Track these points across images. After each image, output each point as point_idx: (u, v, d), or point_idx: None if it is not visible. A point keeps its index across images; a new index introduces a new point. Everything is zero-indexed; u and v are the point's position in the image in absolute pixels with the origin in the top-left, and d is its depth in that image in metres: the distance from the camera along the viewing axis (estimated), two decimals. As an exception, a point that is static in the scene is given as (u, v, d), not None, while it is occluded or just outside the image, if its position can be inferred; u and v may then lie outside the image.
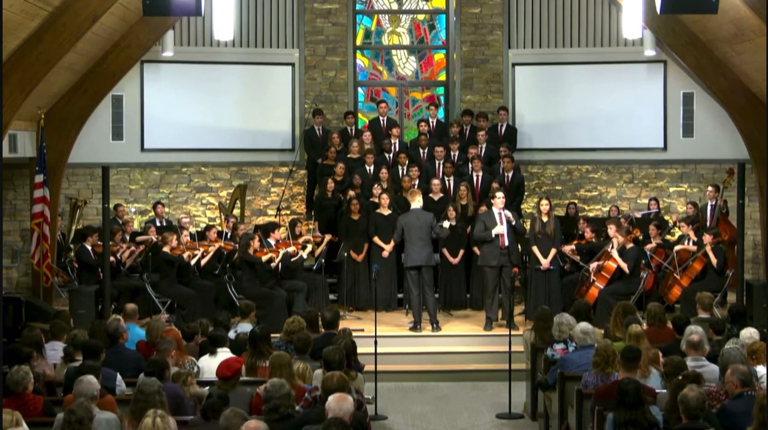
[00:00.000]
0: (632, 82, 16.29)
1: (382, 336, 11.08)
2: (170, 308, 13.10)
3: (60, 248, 14.56)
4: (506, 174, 14.82)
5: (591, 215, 15.97)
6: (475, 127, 15.63)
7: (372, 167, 14.88)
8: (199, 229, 14.79)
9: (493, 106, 16.31)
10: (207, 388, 7.65)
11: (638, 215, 15.23)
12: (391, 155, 15.29)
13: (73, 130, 14.51)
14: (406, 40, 17.22)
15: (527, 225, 13.68)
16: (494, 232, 12.37)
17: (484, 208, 13.34)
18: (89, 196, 15.86)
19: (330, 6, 16.50)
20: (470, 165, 14.79)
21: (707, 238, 13.04)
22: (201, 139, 16.15)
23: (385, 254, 13.61)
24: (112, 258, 12.84)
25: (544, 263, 12.78)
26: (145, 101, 15.96)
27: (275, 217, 15.71)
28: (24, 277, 15.17)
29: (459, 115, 16.23)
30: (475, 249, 13.27)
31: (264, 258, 12.85)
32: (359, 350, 9.13)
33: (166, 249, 13.02)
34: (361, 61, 17.14)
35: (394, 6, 17.19)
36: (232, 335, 9.60)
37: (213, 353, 8.82)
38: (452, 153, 15.27)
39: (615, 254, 12.70)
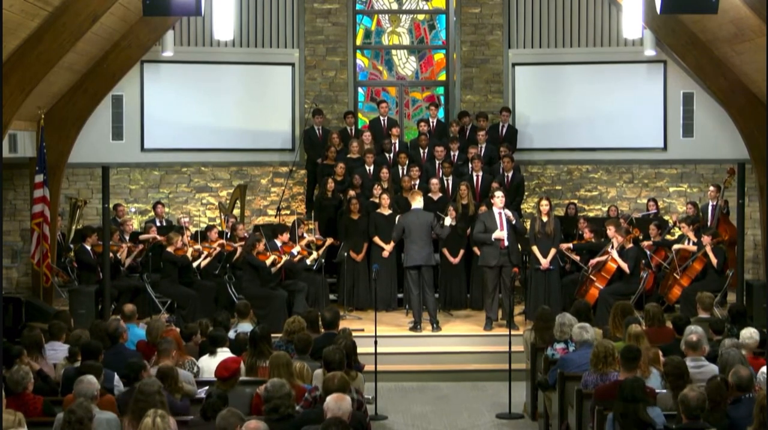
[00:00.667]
0: (632, 82, 16.30)
1: (382, 336, 11.07)
2: (170, 308, 13.11)
3: (60, 248, 14.56)
4: (506, 174, 14.82)
5: (591, 215, 15.98)
6: (476, 127, 15.63)
7: (372, 167, 14.88)
8: (199, 229, 14.78)
9: (493, 106, 16.32)
10: (202, 389, 7.65)
11: (638, 215, 15.24)
12: (391, 155, 15.30)
13: (73, 130, 14.51)
14: (406, 40, 17.23)
15: (527, 225, 13.68)
16: (494, 237, 12.37)
17: (484, 208, 13.34)
18: (89, 197, 15.86)
19: (330, 6, 16.51)
20: (470, 165, 14.80)
21: (707, 238, 13.04)
22: (201, 139, 16.15)
23: (386, 254, 13.61)
24: (111, 256, 12.84)
25: (544, 262, 12.78)
26: (145, 101, 15.96)
27: (275, 217, 15.72)
28: (24, 277, 15.17)
29: (457, 116, 16.22)
30: (475, 249, 13.27)
31: (268, 262, 12.84)
32: (359, 350, 9.13)
33: (170, 249, 13.02)
34: (361, 61, 17.14)
35: (394, 6, 17.20)
36: (231, 335, 9.60)
37: (213, 353, 8.83)
38: (452, 153, 15.27)
39: (615, 254, 12.70)
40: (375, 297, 11.97)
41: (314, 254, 13.61)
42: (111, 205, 13.42)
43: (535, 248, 12.86)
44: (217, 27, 13.10)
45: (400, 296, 13.88)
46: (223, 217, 15.41)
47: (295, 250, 13.32)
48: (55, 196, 14.23)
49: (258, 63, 16.40)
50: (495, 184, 13.95)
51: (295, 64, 16.49)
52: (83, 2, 11.68)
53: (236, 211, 15.80)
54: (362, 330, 11.95)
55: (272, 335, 9.06)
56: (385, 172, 14.39)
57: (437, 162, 15.01)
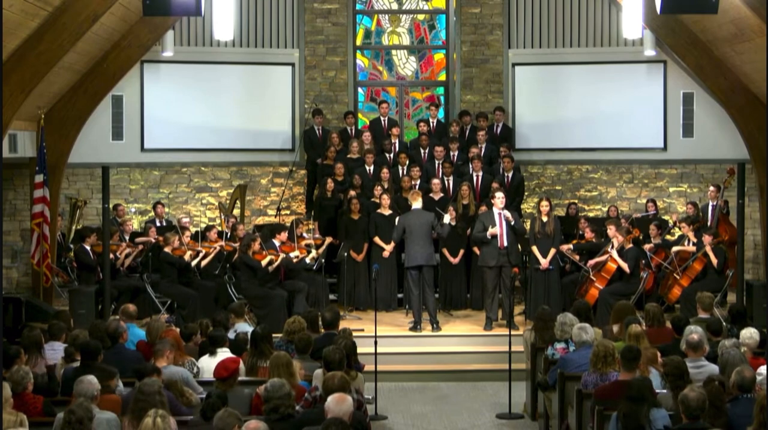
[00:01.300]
0: (632, 82, 16.29)
1: (382, 336, 11.08)
2: (170, 308, 13.11)
3: (60, 248, 14.56)
4: (506, 174, 14.82)
5: (591, 215, 15.98)
6: (475, 127, 15.63)
7: (372, 167, 14.88)
8: (199, 229, 14.78)
9: (493, 106, 16.31)
10: (200, 395, 7.66)
11: (638, 215, 15.24)
12: (392, 155, 15.30)
13: (73, 130, 14.50)
14: (406, 40, 17.22)
15: (527, 225, 13.68)
16: (489, 233, 12.38)
17: (484, 208, 13.35)
18: (89, 197, 15.86)
19: (330, 6, 16.51)
20: (470, 165, 14.80)
21: (707, 238, 13.04)
22: (201, 139, 16.15)
23: (386, 254, 13.61)
24: (111, 256, 12.84)
25: (544, 263, 12.77)
26: (145, 101, 15.96)
27: (275, 217, 15.71)
28: (24, 277, 15.16)
29: (458, 116, 16.22)
30: (475, 249, 13.27)
31: (263, 262, 12.83)
32: (359, 350, 9.13)
33: (167, 250, 13.02)
34: (361, 61, 17.14)
35: (394, 6, 17.20)
36: (231, 335, 9.59)
37: (213, 353, 8.82)
38: (452, 153, 15.27)
39: (615, 254, 12.70)
40: (375, 297, 11.97)
41: (313, 253, 13.60)
42: (111, 206, 13.41)
43: (535, 248, 12.87)
44: (217, 27, 13.10)
45: (400, 296, 13.88)
46: (223, 217, 15.41)
47: (293, 254, 13.29)
48: (55, 196, 14.22)
49: (258, 63, 16.40)
50: (495, 185, 13.95)
51: (295, 64, 16.49)
52: (83, 2, 11.68)
53: (236, 212, 15.80)
54: (362, 330, 11.95)
55: (272, 335, 9.06)
56: (385, 173, 14.40)
57: (437, 162, 15.01)
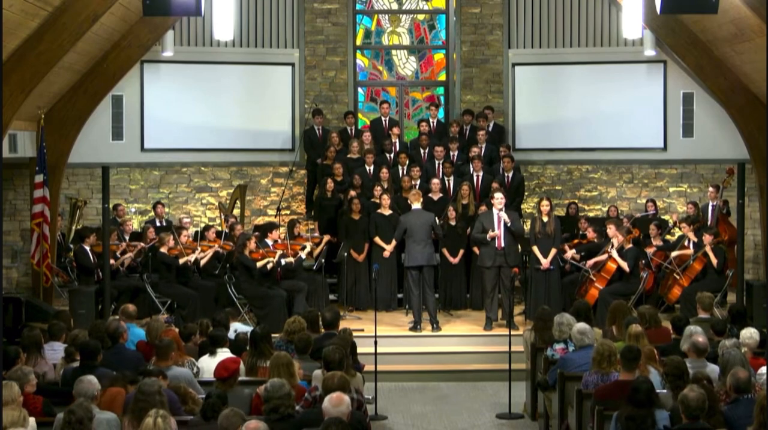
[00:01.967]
0: (632, 82, 16.29)
1: (382, 336, 11.08)
2: (170, 308, 13.10)
3: (60, 248, 14.56)
4: (506, 174, 14.82)
5: (591, 215, 15.98)
6: (475, 127, 15.63)
7: (372, 167, 14.88)
8: (198, 229, 14.78)
9: (494, 106, 16.31)
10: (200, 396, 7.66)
11: (638, 215, 15.24)
12: (392, 155, 15.29)
13: (73, 130, 14.49)
14: (406, 40, 17.22)
15: (527, 225, 13.68)
16: (488, 236, 12.39)
17: (484, 208, 13.36)
18: (89, 197, 15.86)
19: (330, 6, 16.51)
20: (470, 165, 14.79)
21: (707, 238, 13.04)
22: (201, 139, 16.15)
23: (386, 254, 13.61)
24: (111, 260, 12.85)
25: (545, 262, 12.77)
26: (145, 101, 15.96)
27: (275, 217, 15.71)
28: (24, 277, 15.16)
29: (459, 114, 16.23)
30: (475, 249, 13.27)
31: (259, 263, 12.82)
32: (359, 350, 9.12)
33: (163, 250, 13.02)
34: (361, 61, 17.14)
35: (394, 6, 17.19)
36: (231, 335, 9.59)
37: (213, 353, 8.82)
38: (452, 153, 15.27)
39: (615, 254, 12.70)
40: (375, 297, 11.97)
41: (307, 247, 13.57)
42: (111, 206, 13.41)
43: (535, 248, 12.86)
44: (217, 27, 13.10)
45: (400, 296, 13.87)
46: (222, 217, 15.41)
47: (284, 260, 13.17)
48: (55, 196, 14.22)
49: (258, 63, 16.40)
50: (495, 185, 13.95)
51: (295, 64, 16.49)
52: (83, 2, 11.68)
53: (236, 212, 15.80)
54: (362, 330, 11.95)
55: (272, 335, 9.06)
56: (385, 173, 14.40)
57: (437, 162, 15.01)
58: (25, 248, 14.91)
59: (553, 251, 12.84)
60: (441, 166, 14.90)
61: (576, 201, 16.12)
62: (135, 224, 15.51)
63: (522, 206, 15.38)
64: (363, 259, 13.87)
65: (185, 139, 16.11)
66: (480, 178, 14.62)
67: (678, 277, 13.18)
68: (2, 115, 11.24)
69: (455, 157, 15.22)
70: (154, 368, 7.79)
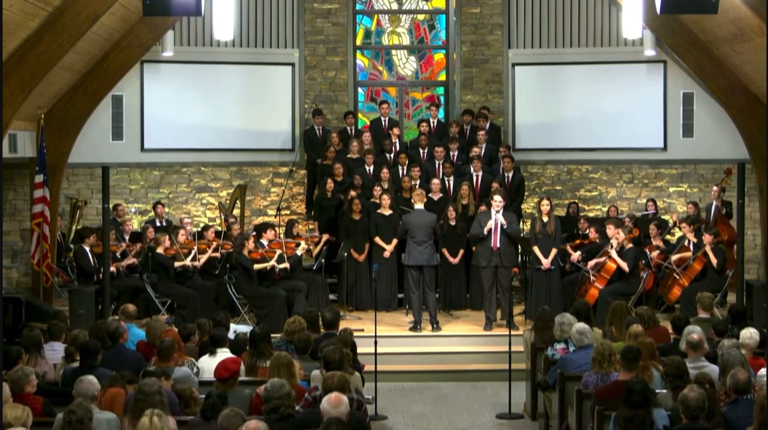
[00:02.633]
0: (632, 82, 16.29)
1: (382, 336, 11.07)
2: (170, 308, 13.10)
3: (60, 248, 14.56)
4: (506, 174, 14.81)
5: (591, 215, 15.98)
6: (475, 127, 15.63)
7: (372, 167, 14.88)
8: (197, 229, 14.78)
9: (494, 106, 16.32)
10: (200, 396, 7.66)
11: (637, 215, 15.24)
12: (392, 155, 15.29)
13: (73, 130, 14.51)
14: (406, 40, 17.22)
15: (528, 225, 13.67)
16: (485, 229, 12.38)
17: (483, 207, 13.35)
18: (89, 197, 15.86)
19: (330, 6, 16.51)
20: (470, 165, 14.79)
21: (707, 238, 13.04)
22: (201, 139, 16.15)
23: (386, 254, 13.62)
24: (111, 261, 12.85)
25: (545, 263, 12.76)
26: (145, 101, 15.96)
27: (275, 217, 15.71)
28: (24, 277, 15.16)
29: (459, 114, 16.23)
30: (474, 249, 13.27)
31: (257, 266, 12.82)
32: (359, 350, 9.12)
33: (159, 250, 13.02)
34: (361, 61, 17.14)
35: (394, 6, 17.19)
36: (231, 335, 9.59)
37: (213, 353, 8.82)
38: (452, 153, 15.27)
39: (614, 254, 12.70)
40: (375, 297, 11.97)
41: (303, 245, 13.56)
42: (111, 206, 13.41)
43: (536, 248, 12.85)
44: (217, 27, 13.11)
45: (400, 296, 13.88)
46: (222, 217, 15.41)
47: (279, 266, 13.16)
48: (55, 196, 14.23)
49: (258, 63, 16.40)
50: (495, 185, 13.94)
51: (295, 64, 16.49)
52: (83, 2, 11.68)
53: (236, 212, 15.79)
54: (362, 330, 11.94)
55: (272, 335, 9.06)
56: (385, 173, 14.40)
57: (437, 162, 15.01)
58: (25, 248, 14.91)
59: (554, 251, 12.83)
60: (441, 166, 14.90)
61: (576, 201, 16.12)
62: (135, 224, 15.51)
63: (522, 206, 15.38)
64: (363, 259, 13.87)
65: (185, 139, 16.12)
66: (480, 178, 14.62)
67: (678, 277, 13.18)
68: (2, 115, 11.24)
69: (455, 158, 15.21)
70: (157, 369, 7.79)
